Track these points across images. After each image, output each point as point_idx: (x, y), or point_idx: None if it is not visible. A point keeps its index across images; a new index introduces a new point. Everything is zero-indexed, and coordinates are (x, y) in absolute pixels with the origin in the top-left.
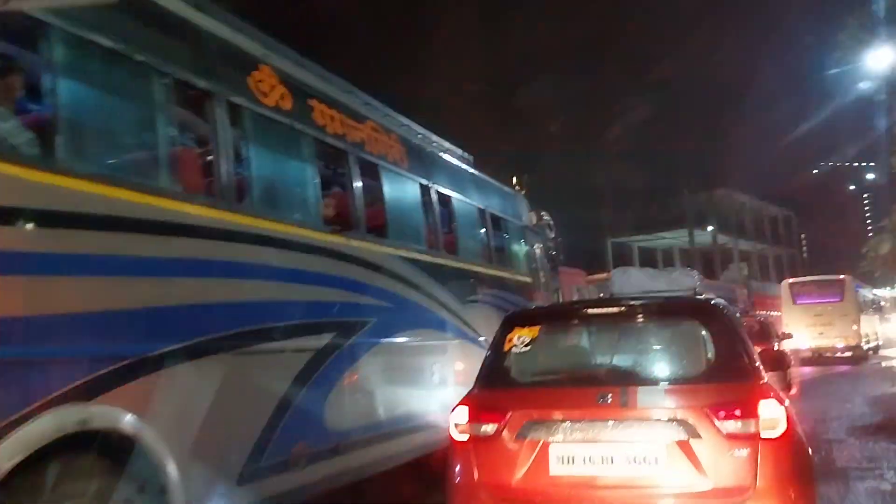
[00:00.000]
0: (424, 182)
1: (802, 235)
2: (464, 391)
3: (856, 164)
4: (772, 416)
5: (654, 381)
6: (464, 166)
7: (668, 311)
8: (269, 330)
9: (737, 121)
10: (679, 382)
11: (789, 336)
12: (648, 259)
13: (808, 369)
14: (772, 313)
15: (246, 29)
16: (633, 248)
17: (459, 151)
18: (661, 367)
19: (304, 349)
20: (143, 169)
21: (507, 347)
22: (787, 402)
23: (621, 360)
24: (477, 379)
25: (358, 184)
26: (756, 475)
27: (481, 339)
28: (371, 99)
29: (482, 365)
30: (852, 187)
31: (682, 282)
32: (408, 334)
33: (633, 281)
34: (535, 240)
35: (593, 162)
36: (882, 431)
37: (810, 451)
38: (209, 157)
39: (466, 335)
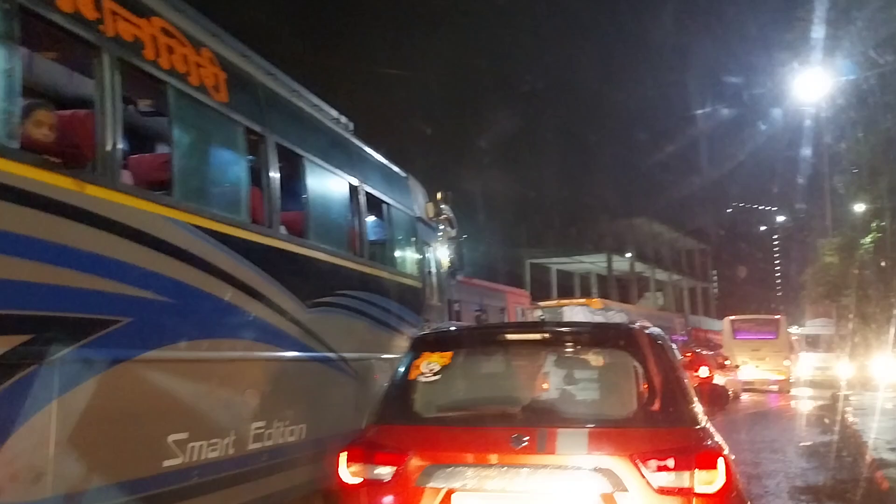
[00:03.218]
0: (257, 129)
1: (714, 271)
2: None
3: (767, 206)
4: (709, 468)
5: (577, 423)
6: (333, 127)
7: (598, 339)
8: None
9: (659, 152)
10: (606, 425)
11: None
12: (566, 282)
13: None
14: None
15: None
16: (552, 270)
17: (334, 113)
18: (586, 406)
19: None
20: None
21: (413, 375)
22: (726, 451)
23: (542, 396)
24: (375, 412)
25: (111, 104)
26: None
27: (333, 356)
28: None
29: (382, 395)
30: (763, 227)
31: (616, 319)
32: (194, 345)
33: (580, 316)
34: (431, 237)
35: (514, 181)
36: (833, 499)
37: None
38: None
39: (308, 350)
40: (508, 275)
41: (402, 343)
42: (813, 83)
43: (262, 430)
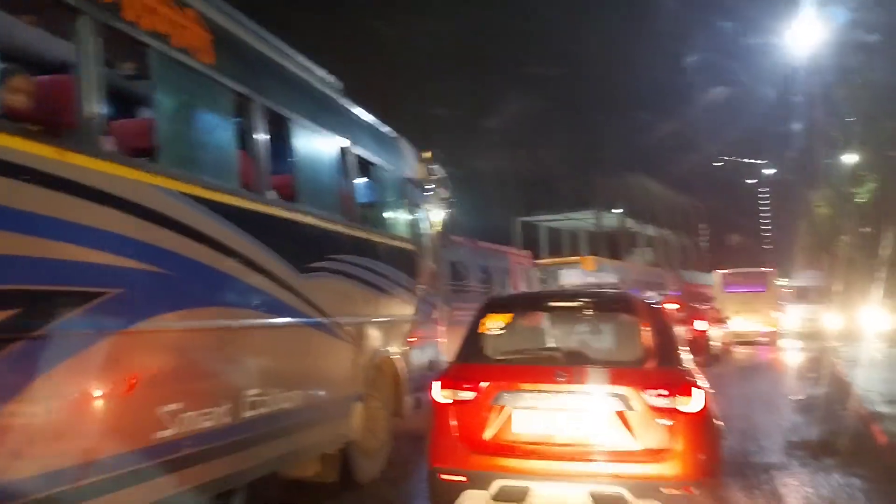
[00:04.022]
0: (245, 91)
1: (702, 226)
2: (288, 404)
3: (755, 160)
4: (689, 395)
5: (600, 363)
6: (321, 87)
7: (614, 306)
8: None
9: (648, 107)
10: (620, 365)
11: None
12: (555, 240)
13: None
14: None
15: None
16: (541, 228)
17: (322, 73)
18: (606, 352)
19: None
20: None
21: (482, 330)
22: (702, 384)
23: (575, 344)
24: (457, 354)
25: (92, 68)
26: (674, 439)
27: (327, 321)
28: None
29: (461, 343)
30: (751, 181)
31: (607, 278)
32: (189, 314)
33: (575, 277)
34: (423, 198)
35: (504, 140)
36: (829, 454)
37: (720, 423)
38: None
39: (301, 315)
40: (497, 233)
41: (396, 307)
42: (808, 30)
43: (257, 398)
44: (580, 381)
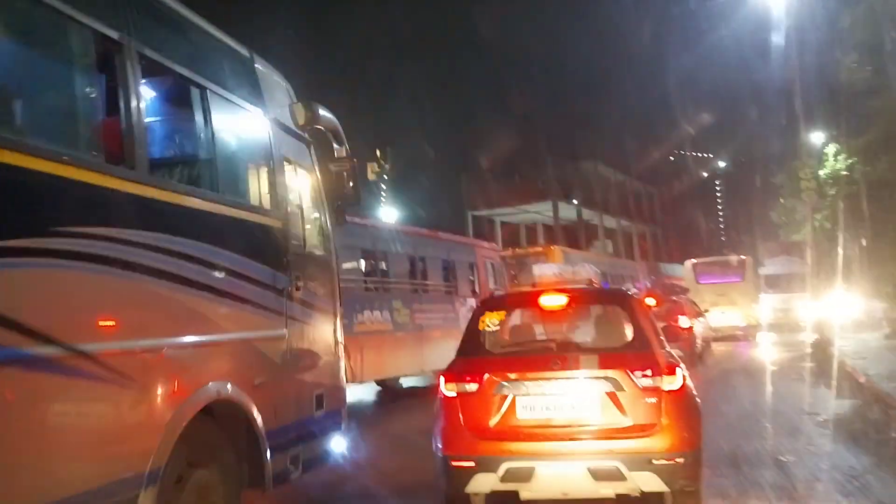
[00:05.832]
0: None
1: (659, 215)
2: None
3: (708, 154)
4: (671, 374)
5: (591, 350)
6: None
7: (599, 299)
8: None
9: (603, 95)
10: (609, 351)
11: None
12: (512, 235)
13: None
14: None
15: None
16: (496, 223)
17: None
18: (595, 340)
19: None
20: None
21: (481, 327)
22: (682, 366)
23: (567, 335)
24: (459, 350)
25: None
26: (661, 415)
27: (62, 353)
28: None
29: (462, 339)
30: (705, 174)
31: (583, 272)
32: None
33: (548, 271)
34: (302, 154)
35: (454, 132)
36: None
37: (699, 399)
38: None
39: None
40: (450, 230)
41: (245, 317)
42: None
43: None
44: (574, 368)
